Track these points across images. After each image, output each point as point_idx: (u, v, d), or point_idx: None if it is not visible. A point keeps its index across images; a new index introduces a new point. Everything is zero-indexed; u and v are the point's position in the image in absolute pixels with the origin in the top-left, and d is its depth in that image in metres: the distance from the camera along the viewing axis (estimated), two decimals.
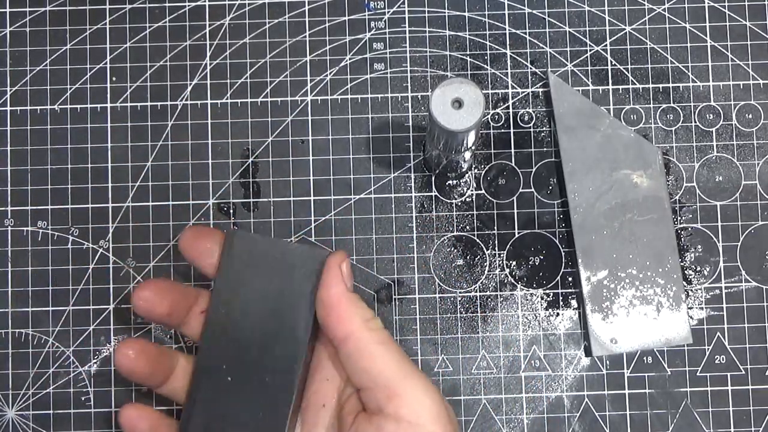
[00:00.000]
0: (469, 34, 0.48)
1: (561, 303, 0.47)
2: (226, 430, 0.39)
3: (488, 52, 0.48)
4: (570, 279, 0.47)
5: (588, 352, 0.46)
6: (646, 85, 0.48)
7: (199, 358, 0.40)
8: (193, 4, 0.49)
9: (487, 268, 0.47)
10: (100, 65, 0.48)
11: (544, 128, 0.48)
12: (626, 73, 0.48)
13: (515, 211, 0.47)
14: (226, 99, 0.48)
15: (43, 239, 0.47)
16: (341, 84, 0.48)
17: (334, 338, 0.38)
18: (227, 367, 0.39)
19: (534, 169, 0.48)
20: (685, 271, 0.47)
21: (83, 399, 0.46)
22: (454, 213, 0.47)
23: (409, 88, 0.48)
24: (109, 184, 0.47)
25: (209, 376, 0.40)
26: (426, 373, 0.38)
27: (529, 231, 0.47)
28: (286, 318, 0.39)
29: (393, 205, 0.47)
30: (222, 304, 0.40)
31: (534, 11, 0.48)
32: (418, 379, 0.37)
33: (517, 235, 0.47)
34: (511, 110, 0.48)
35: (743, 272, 0.47)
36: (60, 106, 0.48)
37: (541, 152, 0.48)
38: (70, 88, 0.48)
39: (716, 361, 0.46)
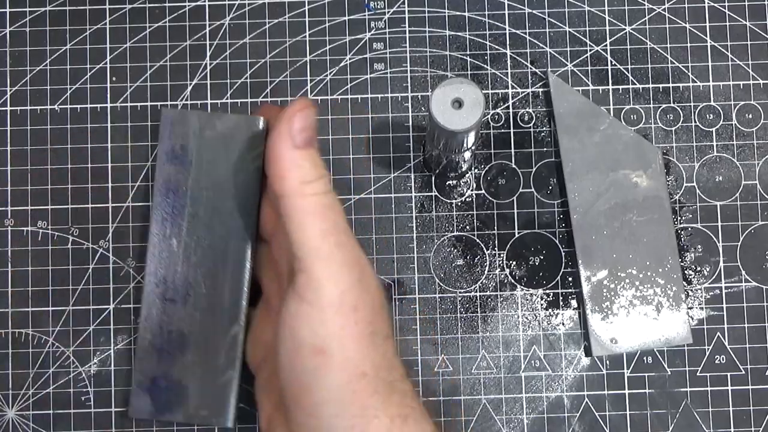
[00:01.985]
0: (469, 34, 0.48)
1: (561, 303, 0.47)
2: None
3: (488, 52, 0.48)
4: (570, 279, 0.47)
5: (588, 352, 0.46)
6: (646, 85, 0.48)
7: (150, 236, 0.43)
8: (193, 4, 0.49)
9: (487, 268, 0.47)
10: (100, 65, 0.48)
11: (544, 128, 0.48)
12: (626, 73, 0.48)
13: (515, 211, 0.47)
14: (226, 99, 0.48)
15: (43, 239, 0.47)
16: (341, 84, 0.48)
17: (273, 196, 0.36)
18: (179, 243, 0.42)
19: (534, 169, 0.48)
20: (685, 271, 0.47)
21: (83, 399, 0.46)
22: (454, 213, 0.47)
23: (409, 88, 0.48)
24: (109, 184, 0.47)
25: (161, 251, 0.43)
26: (357, 253, 0.36)
27: (529, 231, 0.47)
28: (236, 191, 0.42)
29: (393, 205, 0.47)
30: (169, 186, 0.43)
31: (534, 11, 0.48)
32: (333, 261, 0.35)
33: (517, 235, 0.47)
34: (511, 110, 0.48)
35: (743, 272, 0.47)
36: (60, 106, 0.48)
37: (541, 152, 0.48)
38: (70, 88, 0.48)
39: (716, 361, 0.46)
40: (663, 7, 0.48)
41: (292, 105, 0.36)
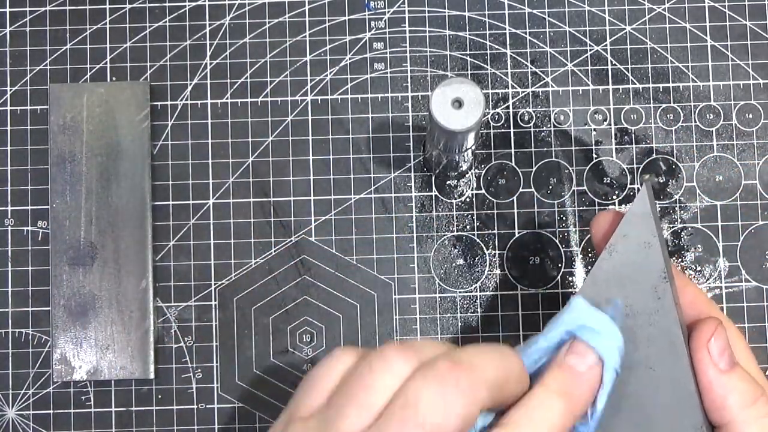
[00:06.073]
0: (469, 34, 0.48)
1: (561, 303, 0.47)
2: None
3: (488, 52, 0.48)
4: (570, 279, 0.47)
5: None
6: (646, 85, 0.48)
7: (51, 209, 0.46)
8: (193, 4, 0.49)
9: (487, 268, 0.47)
10: (100, 65, 0.48)
11: (544, 128, 0.48)
12: (626, 73, 0.48)
13: (515, 211, 0.47)
14: (226, 99, 0.48)
15: (43, 239, 0.47)
16: (341, 84, 0.48)
17: (712, 422, 0.34)
18: (80, 208, 0.46)
19: (534, 169, 0.48)
20: (685, 271, 0.47)
21: (83, 399, 0.46)
22: (454, 213, 0.47)
23: (409, 88, 0.48)
24: None
25: None
26: None
27: (529, 231, 0.47)
28: (128, 153, 0.47)
29: (393, 205, 0.47)
30: (65, 156, 0.46)
31: (534, 11, 0.48)
32: None
33: (517, 235, 0.47)
34: (511, 110, 0.48)
35: (743, 272, 0.47)
36: None
37: (541, 152, 0.48)
38: None
39: None
40: (663, 7, 0.48)
41: (701, 329, 0.34)
